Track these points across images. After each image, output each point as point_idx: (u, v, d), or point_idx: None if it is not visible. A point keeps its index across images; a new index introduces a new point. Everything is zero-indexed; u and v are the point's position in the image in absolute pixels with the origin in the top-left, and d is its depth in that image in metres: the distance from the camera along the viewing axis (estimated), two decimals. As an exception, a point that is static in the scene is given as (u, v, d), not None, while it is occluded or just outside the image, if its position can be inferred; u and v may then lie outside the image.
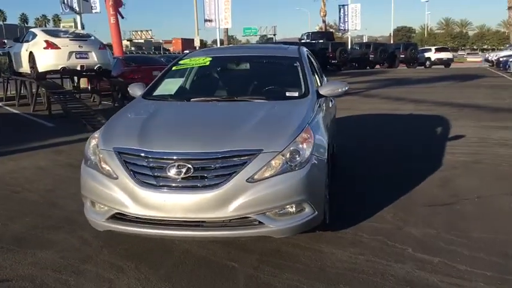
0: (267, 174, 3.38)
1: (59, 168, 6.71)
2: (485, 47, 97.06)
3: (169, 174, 3.37)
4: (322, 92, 4.62)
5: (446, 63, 39.23)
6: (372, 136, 8.78)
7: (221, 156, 3.38)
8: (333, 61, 33.57)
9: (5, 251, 3.89)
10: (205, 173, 3.37)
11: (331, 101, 5.68)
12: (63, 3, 21.85)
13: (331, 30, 56.06)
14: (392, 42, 56.06)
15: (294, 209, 3.49)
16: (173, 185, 3.37)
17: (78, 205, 4.91)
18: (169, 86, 4.94)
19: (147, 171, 3.44)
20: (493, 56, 36.39)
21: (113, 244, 3.95)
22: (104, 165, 3.61)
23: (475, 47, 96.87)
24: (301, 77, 4.81)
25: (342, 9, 46.08)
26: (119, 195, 3.47)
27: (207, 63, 5.14)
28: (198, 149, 3.45)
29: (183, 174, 3.36)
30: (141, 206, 3.41)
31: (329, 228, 4.03)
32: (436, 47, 43.15)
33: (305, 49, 5.61)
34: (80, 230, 4.28)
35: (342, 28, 46.81)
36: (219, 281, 3.31)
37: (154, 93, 4.80)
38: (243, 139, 3.53)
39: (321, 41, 37.81)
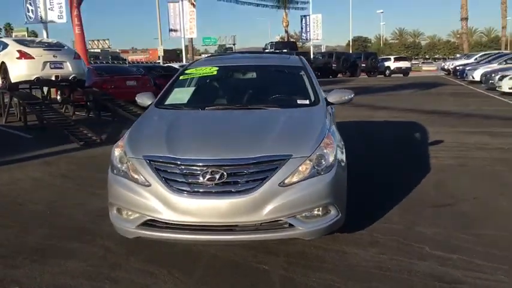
0: (297, 179, 3.53)
1: (54, 179, 6.62)
2: (437, 56, 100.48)
3: (203, 180, 3.47)
4: (330, 99, 4.81)
5: (405, 72, 40.59)
6: (356, 142, 9.04)
7: (253, 162, 3.50)
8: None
9: (29, 261, 3.86)
10: (239, 178, 3.48)
11: (331, 108, 5.89)
12: (28, 12, 21.36)
13: (292, 40, 56.86)
14: (351, 51, 57.44)
15: (320, 211, 3.64)
16: (207, 190, 3.46)
17: (86, 215, 4.95)
18: (179, 95, 5.02)
19: (181, 178, 3.52)
20: (449, 64, 37.85)
21: (137, 251, 3.99)
22: (134, 173, 3.67)
23: (427, 56, 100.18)
24: (309, 85, 5.00)
25: (303, 19, 46.96)
26: (152, 202, 3.54)
27: (214, 72, 5.25)
28: (230, 155, 3.56)
29: (216, 180, 3.46)
30: (176, 212, 3.49)
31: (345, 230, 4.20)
32: (395, 56, 44.55)
33: (304, 58, 5.80)
34: (98, 238, 4.30)
35: (304, 38, 47.69)
36: (256, 283, 3.42)
37: (166, 102, 4.87)
38: (272, 145, 3.66)
39: (285, 50, 38.28)
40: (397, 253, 3.85)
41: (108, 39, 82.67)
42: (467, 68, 27.27)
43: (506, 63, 24.77)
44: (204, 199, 3.46)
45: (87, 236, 4.38)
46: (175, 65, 23.92)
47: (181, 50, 35.93)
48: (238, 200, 3.43)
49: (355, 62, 40.46)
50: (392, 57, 43.02)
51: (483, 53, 36.24)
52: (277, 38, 79.30)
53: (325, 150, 3.72)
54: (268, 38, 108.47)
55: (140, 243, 4.02)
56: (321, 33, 46.20)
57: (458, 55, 42.31)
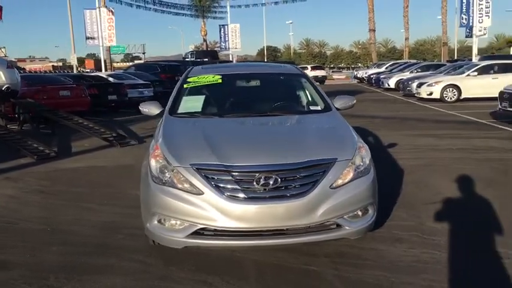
0: (343, 181, 3.70)
1: (31, 195, 6.23)
2: (342, 65, 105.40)
3: (257, 186, 3.52)
4: (337, 105, 5.04)
5: (321, 80, 42.23)
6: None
7: (304, 166, 3.62)
8: (222, 79, 34.29)
9: (66, 280, 3.67)
10: (291, 182, 3.58)
11: None
12: None
13: (212, 49, 57.03)
14: (265, 60, 58.81)
15: (361, 212, 3.84)
16: (263, 196, 3.52)
17: (93, 230, 4.75)
18: (190, 103, 5.00)
19: (234, 185, 3.55)
20: (362, 73, 40.06)
21: (177, 261, 3.95)
22: (182, 182, 3.63)
23: (332, 66, 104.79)
24: (315, 92, 5.20)
25: (222, 29, 47.35)
26: (206, 210, 3.53)
27: (219, 80, 5.28)
28: (280, 160, 3.64)
29: (270, 185, 3.53)
30: (231, 218, 3.51)
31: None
32: (312, 65, 46.29)
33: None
34: (125, 253, 4.18)
35: (223, 47, 48.05)
36: (316, 283, 3.54)
37: (180, 111, 4.83)
38: (316, 150, 3.81)
39: (206, 59, 38.40)
40: (425, 247, 4.14)
41: (4, 47, 77.43)
42: (382, 76, 29.11)
43: (417, 71, 26.78)
44: (260, 204, 3.51)
45: (111, 251, 4.23)
46: (102, 74, 23.03)
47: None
48: (293, 203, 3.53)
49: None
50: (309, 66, 44.69)
51: (392, 62, 38.83)
52: (190, 48, 78.85)
53: (362, 153, 3.94)
54: (181, 47, 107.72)
55: (176, 253, 3.98)
56: (240, 42, 46.88)
57: (371, 63, 44.62)
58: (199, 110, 4.93)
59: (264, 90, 5.47)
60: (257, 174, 3.55)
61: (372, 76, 33.21)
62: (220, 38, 47.91)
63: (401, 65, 32.19)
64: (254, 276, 3.67)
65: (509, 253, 3.94)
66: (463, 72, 19.32)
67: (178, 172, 3.67)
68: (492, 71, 18.96)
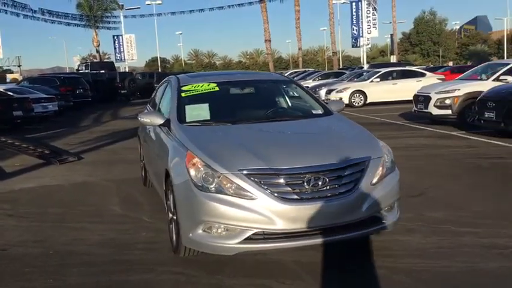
0: (379, 178, 3.95)
1: (3, 220, 5.66)
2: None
3: (308, 187, 3.64)
4: (334, 109, 5.29)
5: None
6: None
7: (346, 165, 3.81)
8: (122, 91, 33.25)
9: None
10: (337, 181, 3.75)
11: None
12: None
13: (98, 60, 54.80)
14: (159, 69, 58.08)
15: (393, 205, 4.11)
16: (314, 196, 3.65)
17: (104, 248, 4.53)
18: (195, 112, 4.91)
19: (285, 187, 3.63)
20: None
21: (215, 269, 3.91)
22: (232, 189, 3.63)
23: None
24: (310, 97, 5.42)
25: (116, 39, 45.88)
26: (261, 214, 3.56)
27: (216, 88, 5.26)
28: (325, 161, 3.79)
29: (320, 185, 3.67)
30: (286, 220, 3.59)
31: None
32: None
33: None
34: (156, 266, 4.05)
35: (118, 58, 46.52)
36: (372, 277, 3.72)
37: (188, 120, 4.74)
38: (352, 149, 4.02)
39: (102, 71, 36.92)
40: (438, 234, 4.51)
41: None
42: (317, 89, 30.28)
43: (319, 79, 28.26)
44: (312, 204, 3.62)
45: (139, 266, 4.07)
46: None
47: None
48: (342, 201, 3.69)
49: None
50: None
51: (292, 70, 40.38)
52: (74, 59, 75.04)
53: (386, 151, 4.22)
54: (66, 58, 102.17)
55: (213, 260, 3.98)
56: (136, 53, 45.80)
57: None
58: (208, 118, 4.88)
59: (262, 97, 5.57)
60: (307, 176, 3.67)
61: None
62: (115, 48, 46.40)
63: (300, 74, 33.64)
64: (307, 276, 3.75)
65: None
66: (366, 79, 20.86)
67: (227, 178, 3.66)
68: (391, 77, 20.74)
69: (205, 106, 5.05)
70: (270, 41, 46.51)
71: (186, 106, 4.98)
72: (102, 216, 5.60)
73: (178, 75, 5.79)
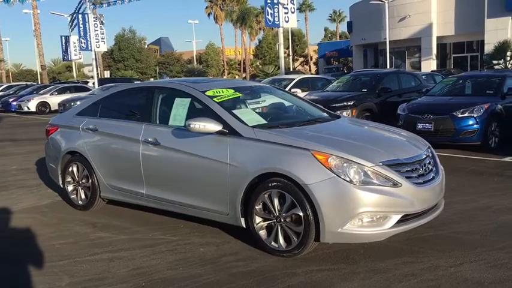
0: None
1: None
2: None
3: (423, 172, 4.40)
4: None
5: None
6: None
7: (429, 153, 4.69)
8: None
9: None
10: (430, 166, 4.59)
11: None
12: None
13: None
14: None
15: None
16: (429, 179, 4.41)
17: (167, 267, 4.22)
18: (246, 116, 4.81)
19: (413, 173, 4.29)
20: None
21: (326, 259, 4.19)
22: (380, 179, 4.06)
23: None
24: (306, 102, 5.95)
25: None
26: (406, 199, 4.13)
27: (238, 94, 5.23)
28: (419, 151, 4.56)
29: (426, 171, 4.46)
30: (420, 202, 4.27)
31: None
32: None
33: None
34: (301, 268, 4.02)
35: None
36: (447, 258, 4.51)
37: (251, 124, 4.66)
38: (416, 141, 4.88)
39: None
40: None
41: None
42: (19, 100, 27.11)
43: (57, 93, 26.61)
44: (430, 186, 4.38)
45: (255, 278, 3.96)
46: None
47: None
48: (438, 181, 4.53)
49: None
50: None
51: (7, 84, 35.85)
52: None
53: None
54: None
55: (314, 256, 4.27)
56: None
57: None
58: (265, 121, 4.88)
59: (284, 102, 5.77)
60: (417, 164, 4.38)
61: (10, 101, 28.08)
62: None
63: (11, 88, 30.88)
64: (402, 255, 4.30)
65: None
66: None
67: (374, 170, 4.06)
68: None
69: (250, 111, 5.02)
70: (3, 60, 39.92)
71: (233, 111, 4.85)
72: (108, 245, 4.78)
73: (176, 81, 5.50)
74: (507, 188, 6.53)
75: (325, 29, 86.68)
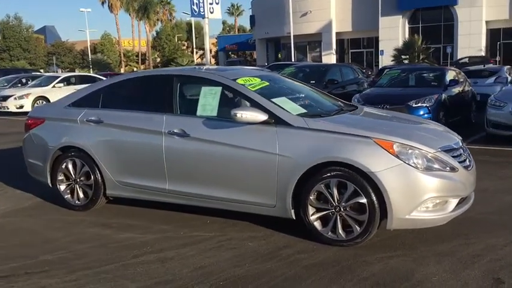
0: None
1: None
2: None
3: (465, 157, 4.58)
4: None
5: None
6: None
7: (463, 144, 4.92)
8: None
9: None
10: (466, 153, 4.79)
11: None
12: None
13: None
14: None
15: None
16: (468, 165, 4.60)
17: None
18: (287, 105, 4.68)
19: (459, 158, 4.46)
20: None
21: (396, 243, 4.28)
22: (441, 164, 4.19)
23: None
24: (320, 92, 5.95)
25: None
26: (461, 182, 4.32)
27: (266, 83, 5.06)
28: (453, 140, 4.72)
29: (467, 155, 4.67)
30: (469, 186, 4.49)
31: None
32: None
33: None
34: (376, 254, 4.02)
35: None
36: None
37: (296, 113, 4.55)
38: (445, 128, 5.10)
39: None
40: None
41: None
42: None
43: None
44: (472, 171, 4.59)
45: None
46: None
47: None
48: (474, 168, 4.72)
49: None
50: None
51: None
52: None
53: None
54: None
55: (379, 242, 4.32)
56: None
57: None
58: (304, 110, 4.76)
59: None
60: (458, 150, 4.58)
61: None
62: None
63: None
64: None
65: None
66: (48, 84, 19.35)
67: (436, 156, 4.19)
68: (72, 82, 20.00)
69: (285, 99, 4.88)
70: None
71: (273, 99, 4.68)
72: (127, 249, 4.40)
73: (197, 69, 5.17)
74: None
75: (224, 22, 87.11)
